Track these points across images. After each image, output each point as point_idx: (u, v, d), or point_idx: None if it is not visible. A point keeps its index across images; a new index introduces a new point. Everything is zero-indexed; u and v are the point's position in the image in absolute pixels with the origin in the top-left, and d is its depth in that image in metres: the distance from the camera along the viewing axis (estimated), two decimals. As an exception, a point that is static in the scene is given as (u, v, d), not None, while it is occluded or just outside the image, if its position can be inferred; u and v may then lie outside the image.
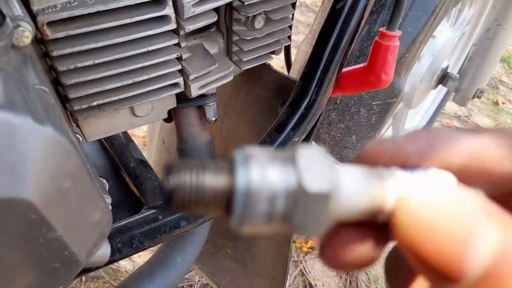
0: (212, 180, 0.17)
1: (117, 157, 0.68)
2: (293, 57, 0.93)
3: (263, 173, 0.17)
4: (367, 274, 1.60)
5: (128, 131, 2.00)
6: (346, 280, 1.56)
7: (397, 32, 0.52)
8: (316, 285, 1.51)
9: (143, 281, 0.60)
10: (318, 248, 0.21)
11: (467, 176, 0.19)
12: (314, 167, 0.17)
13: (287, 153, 0.18)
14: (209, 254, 1.09)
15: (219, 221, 1.04)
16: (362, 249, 0.20)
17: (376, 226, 0.20)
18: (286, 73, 0.83)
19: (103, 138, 0.72)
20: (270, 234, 0.16)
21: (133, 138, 1.98)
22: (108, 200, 0.46)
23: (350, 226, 0.20)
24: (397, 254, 0.23)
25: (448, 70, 1.39)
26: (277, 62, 1.34)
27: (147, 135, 1.27)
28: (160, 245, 0.71)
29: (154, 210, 0.59)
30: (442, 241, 0.15)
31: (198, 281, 1.39)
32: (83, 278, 1.29)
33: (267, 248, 0.90)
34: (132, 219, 0.57)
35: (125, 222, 0.57)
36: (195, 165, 0.18)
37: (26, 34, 0.33)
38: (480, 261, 0.14)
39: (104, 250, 0.42)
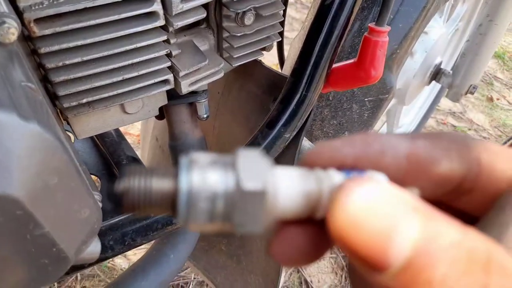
0: (158, 183, 0.19)
1: (109, 155, 0.68)
2: (286, 54, 0.93)
3: (203, 175, 0.18)
4: (362, 270, 1.61)
5: (122, 129, 2.00)
6: (341, 276, 1.57)
7: (386, 28, 0.52)
8: (311, 281, 1.52)
9: (136, 278, 0.60)
10: (267, 246, 0.22)
11: (406, 178, 0.20)
12: (251, 168, 0.19)
13: (228, 157, 0.20)
14: (203, 251, 1.09)
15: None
16: (305, 244, 0.21)
17: (317, 222, 0.21)
18: (279, 69, 0.83)
19: (95, 136, 0.72)
20: (215, 232, 0.19)
21: (127, 137, 1.98)
22: (98, 197, 0.47)
23: (292, 223, 0.21)
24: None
25: (442, 66, 1.39)
26: (271, 59, 1.34)
27: (140, 133, 1.27)
28: (153, 242, 0.71)
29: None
30: (369, 235, 0.16)
31: (194, 278, 1.39)
32: (79, 276, 1.29)
33: (260, 245, 0.90)
34: (124, 216, 0.58)
35: (117, 219, 0.57)
36: (144, 170, 0.19)
37: (11, 31, 0.33)
38: (401, 253, 0.16)
39: (94, 247, 0.42)
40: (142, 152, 1.22)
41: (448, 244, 0.16)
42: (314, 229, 0.21)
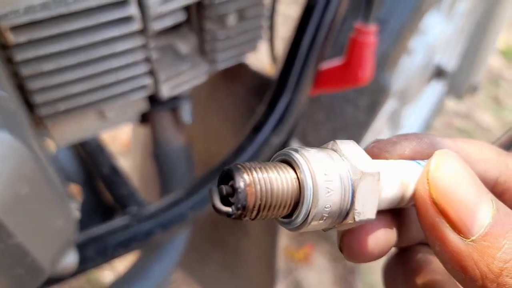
0: (280, 182, 0.19)
1: (90, 163, 0.70)
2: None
3: (320, 169, 0.19)
4: (362, 282, 1.61)
5: (112, 134, 1.98)
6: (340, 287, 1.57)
7: (373, 28, 0.54)
8: (310, 293, 1.52)
9: (119, 291, 0.61)
10: (340, 242, 0.24)
11: None
12: (357, 157, 0.20)
13: (332, 151, 0.21)
14: (197, 261, 1.10)
15: (206, 227, 1.05)
16: (384, 234, 0.24)
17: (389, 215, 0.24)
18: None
19: (77, 145, 0.73)
20: (323, 228, 0.21)
21: (117, 143, 1.97)
22: (76, 205, 0.48)
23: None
24: (394, 263, 0.28)
25: (443, 64, 1.41)
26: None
27: (131, 140, 1.28)
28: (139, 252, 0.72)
29: (127, 217, 0.60)
30: (461, 202, 0.20)
31: (186, 292, 1.40)
32: (64, 292, 1.30)
33: (253, 254, 0.91)
34: (105, 226, 0.59)
35: (98, 230, 0.58)
36: (256, 167, 0.19)
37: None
38: (484, 221, 0.20)
39: (71, 258, 0.43)
40: (132, 159, 1.23)
41: None
42: (388, 220, 0.25)
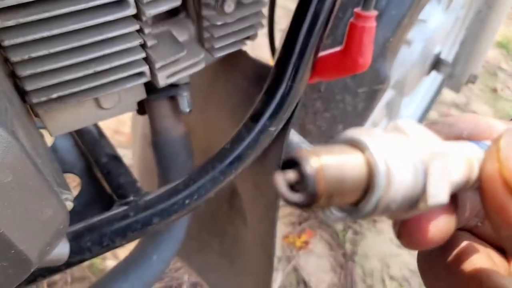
0: (351, 168, 0.17)
1: (89, 152, 0.67)
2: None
3: (394, 156, 0.17)
4: (362, 268, 1.60)
5: (114, 127, 1.97)
6: (340, 274, 1.56)
7: (373, 12, 0.51)
8: (310, 280, 1.51)
9: (116, 280, 0.59)
10: (399, 229, 0.22)
11: None
12: (424, 138, 0.18)
13: (400, 133, 0.19)
14: (196, 251, 1.08)
15: (204, 217, 1.03)
16: (446, 220, 0.22)
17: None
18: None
19: (75, 134, 0.71)
20: (390, 217, 0.20)
21: (120, 135, 1.96)
22: (69, 196, 0.45)
23: None
24: (433, 250, 0.25)
25: (443, 56, 1.38)
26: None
27: (131, 131, 1.26)
28: (137, 242, 0.70)
29: (125, 207, 0.58)
30: None
31: (188, 279, 1.38)
32: (69, 279, 1.29)
33: (252, 243, 0.89)
34: (102, 216, 0.56)
35: (94, 220, 0.56)
36: (325, 151, 0.17)
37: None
38: None
39: (62, 249, 0.41)
40: (133, 150, 1.21)
41: None
42: (447, 208, 0.23)
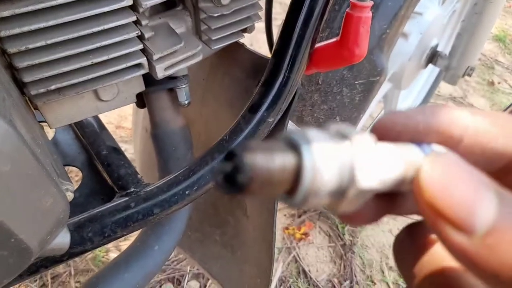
0: (281, 161, 0.18)
1: (89, 145, 0.67)
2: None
3: (324, 155, 0.18)
4: (361, 258, 1.60)
5: (116, 123, 1.96)
6: (340, 265, 1.56)
7: (369, 3, 0.50)
8: (310, 271, 1.51)
9: (118, 270, 0.59)
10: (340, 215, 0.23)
11: (463, 151, 0.22)
12: (365, 156, 0.19)
13: (340, 135, 0.20)
14: (198, 242, 1.08)
15: (206, 208, 1.03)
16: (374, 207, 0.24)
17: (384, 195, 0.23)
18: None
19: (75, 126, 0.70)
20: (324, 205, 0.20)
21: (121, 130, 1.96)
22: (70, 186, 0.45)
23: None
24: (403, 238, 0.26)
25: (440, 49, 1.37)
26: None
27: (132, 125, 1.25)
28: (139, 233, 0.69)
29: (126, 198, 0.58)
30: (458, 201, 0.18)
31: (190, 270, 1.38)
32: (72, 271, 1.29)
33: (253, 234, 0.89)
34: (103, 207, 0.56)
35: (96, 211, 0.56)
36: (260, 147, 0.18)
37: (-40, 11, 0.32)
38: (487, 216, 0.18)
39: (63, 238, 0.40)
40: (134, 144, 1.20)
41: None
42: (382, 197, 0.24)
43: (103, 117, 0.74)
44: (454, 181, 0.19)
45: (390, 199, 0.24)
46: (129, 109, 1.89)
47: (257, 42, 2.54)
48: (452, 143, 0.22)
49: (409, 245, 0.25)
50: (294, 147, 0.19)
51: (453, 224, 0.18)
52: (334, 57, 0.55)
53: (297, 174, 0.18)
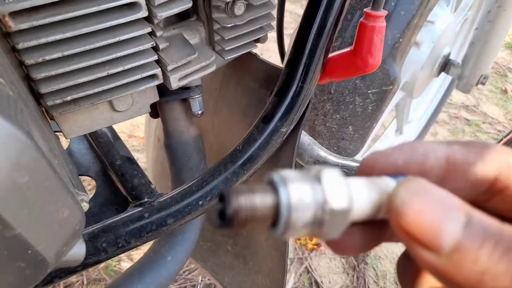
0: (261, 200, 0.21)
1: (103, 155, 0.67)
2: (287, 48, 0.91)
3: (298, 192, 0.21)
4: (374, 270, 1.57)
5: (128, 132, 1.97)
6: (353, 276, 1.53)
7: (383, 12, 0.50)
8: (322, 282, 1.49)
9: (132, 281, 0.59)
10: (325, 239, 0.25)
11: (445, 180, 0.24)
12: (334, 185, 0.22)
13: (313, 174, 0.23)
14: (210, 252, 1.08)
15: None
16: (362, 237, 0.26)
17: (374, 222, 0.25)
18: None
19: (90, 137, 0.71)
20: (304, 236, 0.24)
21: (133, 139, 1.97)
22: (85, 197, 0.45)
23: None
24: (405, 258, 0.28)
25: (452, 57, 1.35)
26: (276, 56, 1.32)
27: (144, 135, 1.26)
28: (152, 243, 0.69)
29: (140, 208, 0.57)
30: (425, 225, 0.20)
31: (201, 281, 1.38)
32: (85, 280, 1.29)
33: (265, 245, 0.88)
34: (117, 218, 0.56)
35: (109, 221, 0.55)
36: (244, 190, 0.22)
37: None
38: (451, 237, 0.20)
39: (78, 249, 0.40)
40: (147, 153, 1.21)
41: (491, 232, 0.19)
42: (369, 226, 0.26)
43: (116, 127, 0.74)
44: (422, 204, 0.20)
45: (380, 228, 0.26)
46: (141, 118, 1.90)
47: (267, 51, 2.55)
48: (431, 175, 0.24)
49: (408, 268, 0.27)
50: (273, 187, 0.22)
51: (422, 244, 0.20)
52: (348, 67, 0.55)
53: (275, 210, 0.21)
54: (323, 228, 0.22)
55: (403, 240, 0.21)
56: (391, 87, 0.85)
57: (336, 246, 0.26)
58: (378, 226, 0.26)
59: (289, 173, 0.22)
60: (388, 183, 0.24)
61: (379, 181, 0.24)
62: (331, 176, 0.22)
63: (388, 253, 1.65)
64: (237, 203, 0.21)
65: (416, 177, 0.22)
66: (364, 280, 1.53)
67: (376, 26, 0.50)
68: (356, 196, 0.23)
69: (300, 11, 2.90)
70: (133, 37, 0.46)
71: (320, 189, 0.22)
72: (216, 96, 0.78)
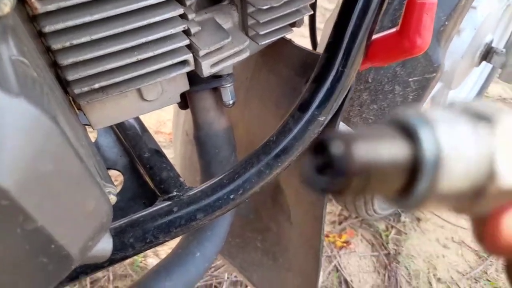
0: (389, 149, 0.14)
1: (131, 148, 0.65)
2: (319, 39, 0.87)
3: (453, 136, 0.14)
4: (407, 269, 1.51)
5: (155, 128, 1.98)
6: (384, 275, 1.48)
7: (435, -12, 0.45)
8: (352, 281, 1.44)
9: (159, 278, 0.56)
10: (474, 229, 0.17)
11: None
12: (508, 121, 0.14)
13: (471, 111, 0.15)
14: (239, 248, 1.05)
15: (247, 213, 1.00)
16: None
17: None
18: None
19: (117, 129, 0.69)
20: (449, 209, 0.15)
21: (160, 135, 1.97)
22: (112, 190, 0.43)
23: None
24: None
25: (493, 45, 1.27)
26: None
27: (172, 129, 1.24)
28: (179, 239, 0.67)
29: (168, 202, 0.55)
30: None
31: (228, 278, 1.35)
32: (111, 276, 1.29)
33: (297, 241, 0.85)
34: (145, 212, 0.54)
35: (137, 215, 0.53)
36: (363, 134, 0.15)
37: (4, 1, 0.30)
38: None
39: (105, 244, 0.38)
40: (174, 148, 1.19)
41: None
42: None
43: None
44: None
45: None
46: (168, 114, 1.89)
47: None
48: None
49: None
50: (408, 133, 0.14)
51: None
52: (393, 49, 0.50)
53: (413, 168, 0.14)
54: (479, 203, 0.15)
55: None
56: (434, 74, 0.80)
57: (499, 240, 0.16)
58: None
59: (433, 112, 0.15)
60: None
61: None
62: (510, 126, 0.15)
63: (422, 251, 1.59)
64: (351, 156, 0.14)
65: None
66: (396, 280, 1.47)
67: (426, 2, 0.45)
68: None
69: (326, 4, 2.83)
70: (164, 19, 0.43)
71: (488, 142, 0.14)
72: (247, 85, 0.75)
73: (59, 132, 0.28)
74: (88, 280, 1.26)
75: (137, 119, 0.70)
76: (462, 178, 0.14)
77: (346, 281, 1.44)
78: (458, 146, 0.14)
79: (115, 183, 1.50)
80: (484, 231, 0.16)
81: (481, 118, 0.14)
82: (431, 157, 0.13)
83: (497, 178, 0.14)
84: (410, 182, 0.14)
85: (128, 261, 1.33)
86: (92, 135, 0.71)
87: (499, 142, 0.14)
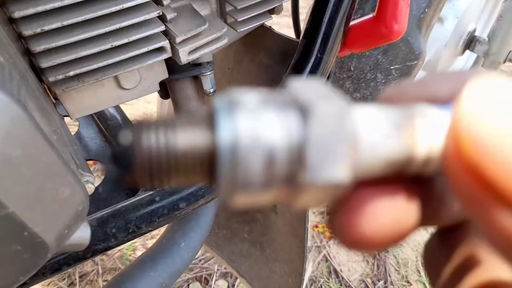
0: (187, 138, 0.13)
1: (112, 138, 0.64)
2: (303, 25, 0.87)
3: (254, 123, 0.13)
4: (395, 258, 1.53)
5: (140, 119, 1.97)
6: (373, 264, 1.50)
7: (410, -28, 0.45)
8: (341, 270, 1.46)
9: (144, 269, 0.56)
10: (329, 221, 0.16)
11: None
12: (323, 107, 0.13)
13: (284, 94, 0.14)
14: (226, 239, 1.05)
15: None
16: (391, 208, 0.15)
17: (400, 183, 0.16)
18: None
19: (98, 119, 0.68)
20: (269, 203, 0.13)
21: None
22: (90, 178, 0.42)
23: (369, 184, 0.15)
24: (437, 240, 0.19)
25: (476, 34, 1.29)
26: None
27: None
28: (165, 229, 0.67)
29: (150, 192, 0.55)
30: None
31: (218, 269, 1.36)
32: (100, 270, 1.28)
33: (283, 230, 0.85)
34: (127, 202, 0.53)
35: (119, 205, 0.53)
36: (163, 121, 0.13)
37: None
38: None
39: (82, 233, 0.38)
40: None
41: None
42: (399, 188, 0.16)
43: (127, 115, 0.71)
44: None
45: (416, 196, 0.16)
46: (155, 106, 1.88)
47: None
48: None
49: (440, 254, 0.19)
50: (211, 119, 0.13)
51: (504, 199, 0.12)
52: (371, 35, 0.50)
53: (211, 159, 0.13)
54: (298, 193, 0.13)
55: (466, 189, 0.13)
56: (415, 62, 0.80)
57: (348, 232, 0.15)
58: (412, 192, 0.16)
59: (243, 94, 0.14)
60: (426, 110, 0.15)
61: (408, 109, 0.15)
62: (311, 90, 0.13)
63: (410, 240, 1.61)
64: (141, 141, 0.13)
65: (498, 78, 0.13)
66: (385, 268, 1.49)
67: (402, -13, 0.46)
68: (365, 130, 0.14)
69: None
70: (138, 4, 0.42)
71: (296, 119, 0.13)
72: (229, 76, 0.75)
73: (26, 117, 0.27)
74: (77, 274, 1.26)
75: (119, 109, 0.69)
76: (262, 169, 0.13)
77: (335, 271, 1.45)
78: (259, 135, 0.13)
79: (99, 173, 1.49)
80: (334, 224, 0.16)
81: (297, 106, 0.13)
82: (227, 145, 0.12)
83: (306, 171, 0.13)
84: (212, 173, 0.13)
85: (117, 254, 1.33)
86: (75, 126, 0.70)
87: (310, 133, 0.13)
